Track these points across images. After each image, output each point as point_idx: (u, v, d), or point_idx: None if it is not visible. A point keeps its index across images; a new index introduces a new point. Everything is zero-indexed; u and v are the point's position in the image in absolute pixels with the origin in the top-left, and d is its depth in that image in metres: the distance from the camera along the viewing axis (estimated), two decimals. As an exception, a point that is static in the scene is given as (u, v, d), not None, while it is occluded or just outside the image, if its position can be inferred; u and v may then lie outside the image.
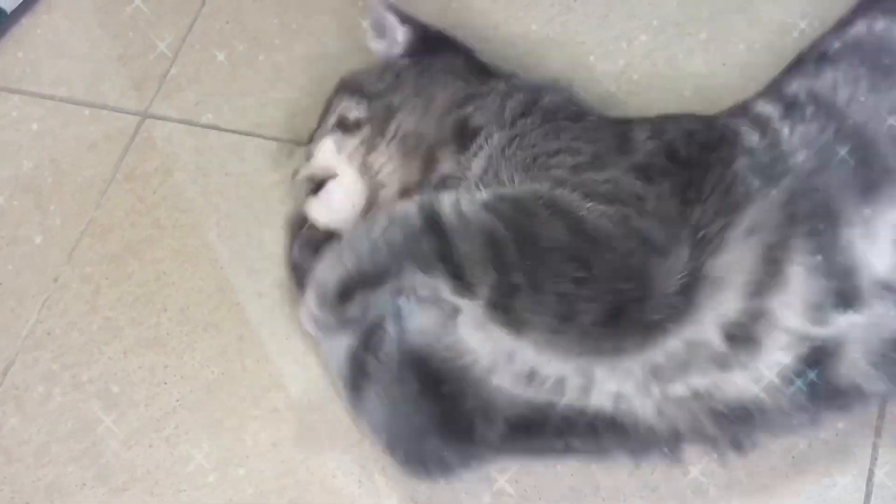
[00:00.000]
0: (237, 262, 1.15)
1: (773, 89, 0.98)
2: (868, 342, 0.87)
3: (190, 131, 1.24)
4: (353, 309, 0.91)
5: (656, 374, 0.89)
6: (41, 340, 1.13)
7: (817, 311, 0.86)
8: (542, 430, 0.91)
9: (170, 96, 1.28)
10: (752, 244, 0.87)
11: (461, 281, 0.87)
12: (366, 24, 1.15)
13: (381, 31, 1.12)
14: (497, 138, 0.99)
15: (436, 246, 0.88)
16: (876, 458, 0.96)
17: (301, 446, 1.02)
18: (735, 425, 0.89)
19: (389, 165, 1.05)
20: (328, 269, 0.92)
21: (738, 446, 0.91)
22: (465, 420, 0.92)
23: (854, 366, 0.88)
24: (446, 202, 0.90)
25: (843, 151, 0.87)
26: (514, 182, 0.95)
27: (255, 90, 1.26)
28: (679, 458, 0.92)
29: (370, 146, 1.06)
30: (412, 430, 0.94)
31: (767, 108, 0.94)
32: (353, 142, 1.06)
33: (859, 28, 0.99)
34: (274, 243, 1.15)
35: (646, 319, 0.86)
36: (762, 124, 0.93)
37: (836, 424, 0.97)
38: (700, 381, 0.88)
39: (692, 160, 0.92)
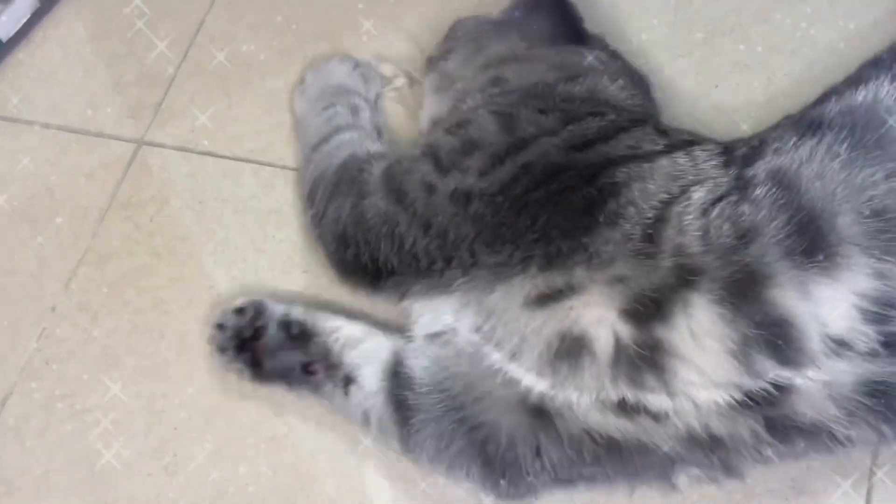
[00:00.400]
0: (234, 289, 1.14)
1: (734, 166, 0.95)
2: (828, 389, 0.86)
3: (186, 158, 1.24)
4: None
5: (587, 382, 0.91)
6: (39, 370, 1.12)
7: (743, 361, 0.86)
8: (567, 465, 0.94)
9: (165, 123, 1.28)
10: (617, 289, 0.89)
11: None
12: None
13: None
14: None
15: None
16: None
17: (300, 474, 1.01)
18: (709, 452, 0.90)
19: (429, 100, 1.14)
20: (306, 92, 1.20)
21: (729, 472, 0.91)
22: (495, 443, 0.96)
23: (813, 406, 0.87)
24: (366, 151, 1.10)
25: (782, 220, 0.86)
26: None
27: (250, 116, 1.26)
28: (673, 483, 0.93)
29: (426, 74, 1.16)
30: (461, 454, 0.97)
31: (700, 193, 0.91)
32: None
33: (862, 94, 0.95)
34: (270, 269, 1.15)
35: None
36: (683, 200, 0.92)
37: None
38: (631, 393, 0.89)
39: (522, 200, 0.94)
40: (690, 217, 0.88)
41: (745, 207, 0.87)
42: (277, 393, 1.06)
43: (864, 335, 0.84)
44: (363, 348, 1.03)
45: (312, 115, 1.17)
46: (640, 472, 0.93)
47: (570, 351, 0.90)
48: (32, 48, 1.36)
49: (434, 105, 1.12)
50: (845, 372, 0.85)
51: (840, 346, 0.85)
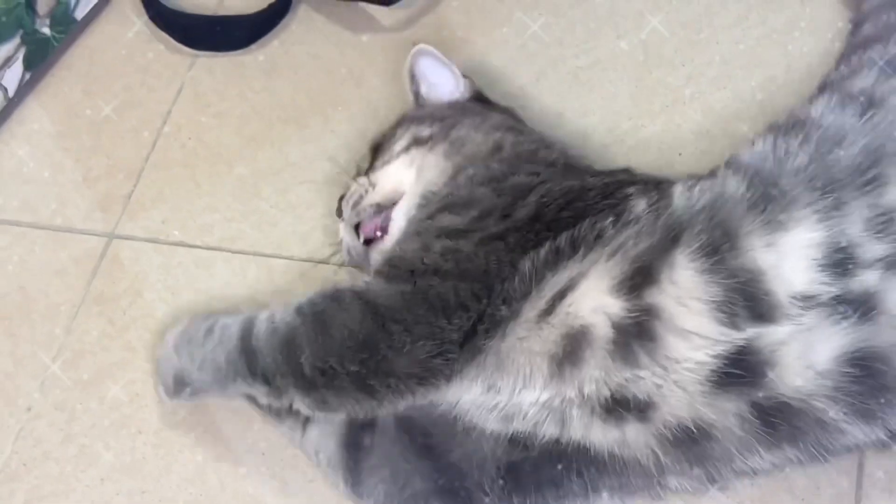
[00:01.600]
0: None
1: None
2: (805, 355, 0.89)
3: (157, 250, 1.25)
4: (189, 393, 1.05)
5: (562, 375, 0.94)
6: (17, 472, 1.12)
7: (725, 314, 0.90)
8: (534, 473, 0.97)
9: (135, 216, 1.28)
10: (615, 256, 0.95)
11: (271, 388, 0.99)
12: (410, 74, 1.24)
13: (427, 81, 1.23)
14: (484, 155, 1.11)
15: (245, 364, 1.01)
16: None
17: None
18: (692, 453, 0.92)
19: (432, 169, 1.13)
20: (165, 363, 1.08)
21: (712, 480, 0.94)
22: (459, 475, 0.97)
23: (795, 377, 0.90)
24: (262, 318, 1.02)
25: (741, 189, 0.94)
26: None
27: (220, 204, 1.27)
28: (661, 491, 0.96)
29: (430, 150, 1.14)
30: (416, 496, 0.98)
31: (679, 191, 0.99)
32: (423, 150, 1.14)
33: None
34: None
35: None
36: (660, 193, 1.00)
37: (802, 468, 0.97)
38: (622, 379, 0.92)
39: (564, 221, 0.99)
40: (680, 189, 0.98)
41: (710, 182, 0.96)
42: (259, 485, 1.07)
43: (826, 288, 0.89)
44: None
45: (200, 347, 1.06)
46: (624, 483, 0.96)
47: (572, 350, 0.93)
48: None
49: (438, 169, 1.13)
50: (820, 337, 0.89)
51: (806, 301, 0.89)
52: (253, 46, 1.40)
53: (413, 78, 1.25)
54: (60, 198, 1.31)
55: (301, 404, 0.99)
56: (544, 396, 0.94)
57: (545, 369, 0.94)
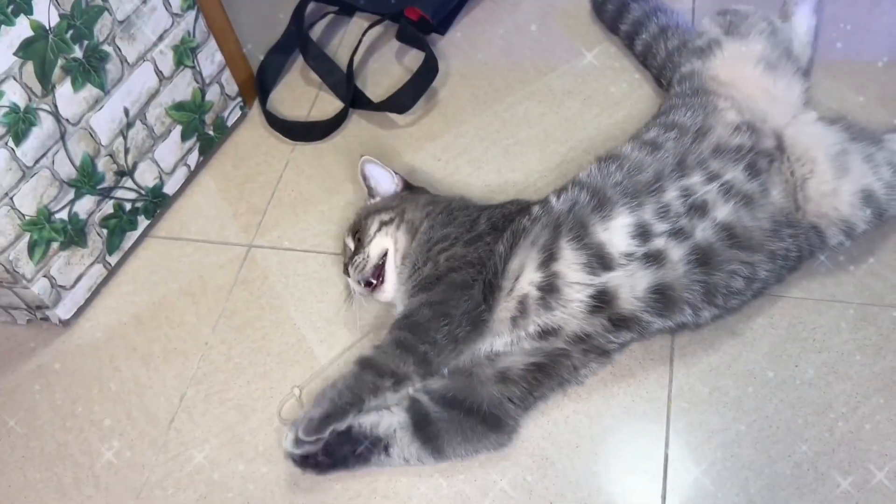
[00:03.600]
0: (306, 324, 1.27)
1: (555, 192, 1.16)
2: (631, 289, 1.02)
3: (276, 253, 1.38)
4: (326, 432, 1.03)
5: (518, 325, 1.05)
6: (200, 379, 1.24)
7: (588, 268, 1.03)
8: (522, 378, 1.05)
9: (264, 234, 1.40)
10: (534, 247, 1.07)
11: (398, 376, 1.03)
12: (361, 175, 1.32)
13: (373, 178, 1.30)
14: (426, 225, 1.20)
15: (373, 373, 1.04)
16: (672, 380, 1.08)
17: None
18: (586, 346, 1.05)
19: (402, 240, 1.20)
20: (313, 410, 1.03)
21: (600, 355, 1.05)
22: (491, 404, 1.03)
23: (627, 302, 1.03)
24: (368, 351, 1.08)
25: (587, 199, 1.08)
26: (421, 257, 1.16)
27: (310, 226, 1.40)
28: (580, 378, 1.07)
29: (397, 228, 1.21)
30: (478, 437, 1.03)
31: (552, 197, 1.14)
32: (392, 228, 1.22)
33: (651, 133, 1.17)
34: (328, 312, 1.27)
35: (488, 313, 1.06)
36: (544, 202, 1.15)
37: (633, 348, 1.10)
38: (545, 318, 1.03)
39: (504, 226, 1.13)
40: (553, 199, 1.11)
41: (568, 193, 1.09)
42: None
43: (637, 248, 1.01)
44: (386, 421, 1.05)
45: (333, 389, 1.03)
46: (562, 379, 1.06)
47: (522, 309, 1.05)
48: (186, 198, 1.47)
49: (405, 240, 1.19)
50: (637, 279, 1.01)
51: (627, 257, 1.02)
52: (328, 138, 1.49)
53: (364, 178, 1.31)
54: (221, 225, 1.43)
55: (416, 375, 1.02)
56: (508, 339, 1.08)
57: (509, 325, 1.07)
